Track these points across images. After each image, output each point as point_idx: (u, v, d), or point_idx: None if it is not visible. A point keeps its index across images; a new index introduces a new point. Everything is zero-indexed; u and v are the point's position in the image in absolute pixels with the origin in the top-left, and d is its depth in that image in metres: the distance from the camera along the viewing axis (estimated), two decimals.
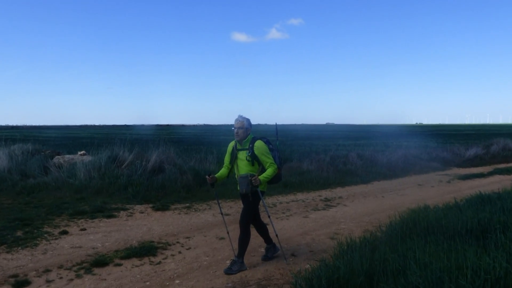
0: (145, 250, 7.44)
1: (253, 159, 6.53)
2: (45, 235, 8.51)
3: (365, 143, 38.78)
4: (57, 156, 17.47)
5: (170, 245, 7.97)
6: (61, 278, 6.19)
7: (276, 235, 7.13)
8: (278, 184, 7.89)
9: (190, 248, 7.81)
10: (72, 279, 6.14)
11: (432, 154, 25.71)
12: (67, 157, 17.22)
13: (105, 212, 10.89)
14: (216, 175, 6.80)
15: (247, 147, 6.58)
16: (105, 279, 6.15)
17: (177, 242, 8.14)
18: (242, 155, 6.62)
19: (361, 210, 11.67)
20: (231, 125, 6.70)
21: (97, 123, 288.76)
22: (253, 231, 6.96)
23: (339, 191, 15.06)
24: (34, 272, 6.42)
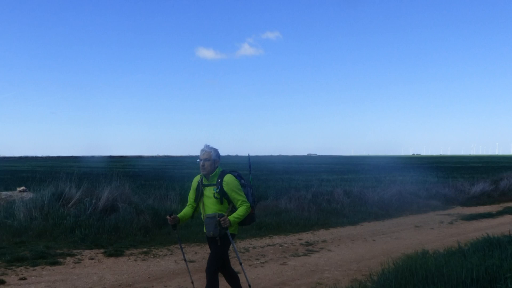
0: None
1: (222, 196, 6.55)
2: None
3: (353, 178, 38.99)
4: None
5: None
6: None
7: (249, 286, 7.15)
8: (251, 225, 7.93)
9: None
10: None
11: (431, 190, 25.92)
12: (4, 194, 17.10)
13: (49, 258, 10.81)
14: (178, 215, 6.79)
15: (215, 182, 6.60)
16: None
17: None
18: (209, 192, 6.64)
19: (349, 256, 11.75)
20: (196, 157, 6.74)
21: (39, 154, 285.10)
22: (222, 281, 6.97)
23: (322, 234, 15.12)
24: None
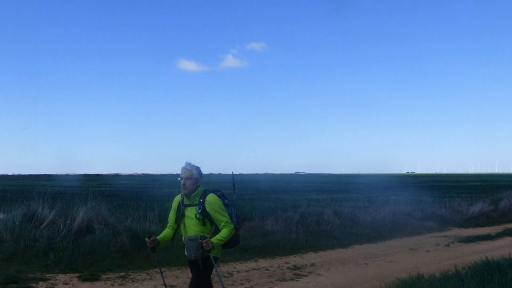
0: None
1: (204, 217, 6.55)
2: None
3: (344, 197, 39.06)
4: None
5: None
6: None
7: None
8: (235, 248, 7.95)
9: None
10: None
11: (427, 211, 26.00)
12: None
13: (20, 283, 10.78)
14: (158, 237, 6.79)
15: (197, 202, 6.60)
16: None
17: None
18: (191, 213, 6.64)
19: (339, 280, 11.78)
20: (177, 175, 6.75)
21: (9, 173, 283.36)
22: None
23: (311, 257, 15.15)
24: None
